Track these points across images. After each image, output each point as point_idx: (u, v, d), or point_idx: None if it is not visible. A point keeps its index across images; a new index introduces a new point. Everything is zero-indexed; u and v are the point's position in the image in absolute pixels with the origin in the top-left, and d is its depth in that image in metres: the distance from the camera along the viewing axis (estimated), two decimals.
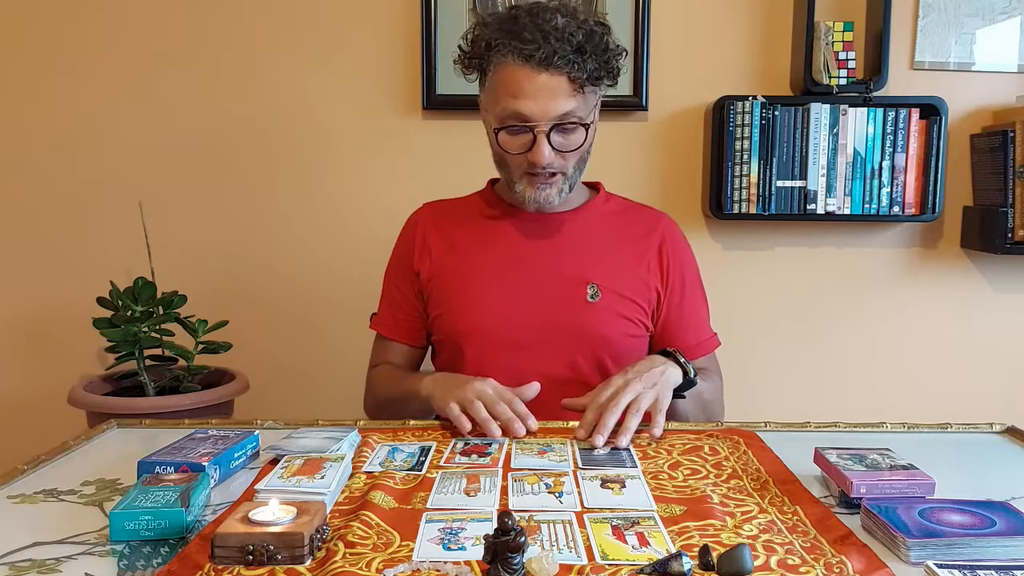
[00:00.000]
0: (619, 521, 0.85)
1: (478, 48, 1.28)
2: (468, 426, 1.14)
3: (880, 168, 1.95)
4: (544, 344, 1.33)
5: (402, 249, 1.46)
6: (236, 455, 1.05)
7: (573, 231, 1.39)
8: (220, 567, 0.75)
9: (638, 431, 1.18)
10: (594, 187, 1.46)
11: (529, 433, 1.17)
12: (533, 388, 1.20)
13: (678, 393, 1.23)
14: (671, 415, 1.27)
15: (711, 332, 1.46)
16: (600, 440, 1.11)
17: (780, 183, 1.96)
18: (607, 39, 1.27)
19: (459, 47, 1.32)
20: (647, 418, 1.18)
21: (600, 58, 1.25)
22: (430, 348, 1.49)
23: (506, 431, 1.14)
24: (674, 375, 1.22)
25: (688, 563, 0.73)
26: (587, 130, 1.28)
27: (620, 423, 1.13)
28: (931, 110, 1.95)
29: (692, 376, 1.24)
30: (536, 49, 1.21)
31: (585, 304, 1.34)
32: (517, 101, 1.23)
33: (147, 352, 1.83)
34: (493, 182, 1.47)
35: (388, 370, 1.44)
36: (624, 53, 1.32)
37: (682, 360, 1.24)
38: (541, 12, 1.24)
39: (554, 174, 1.29)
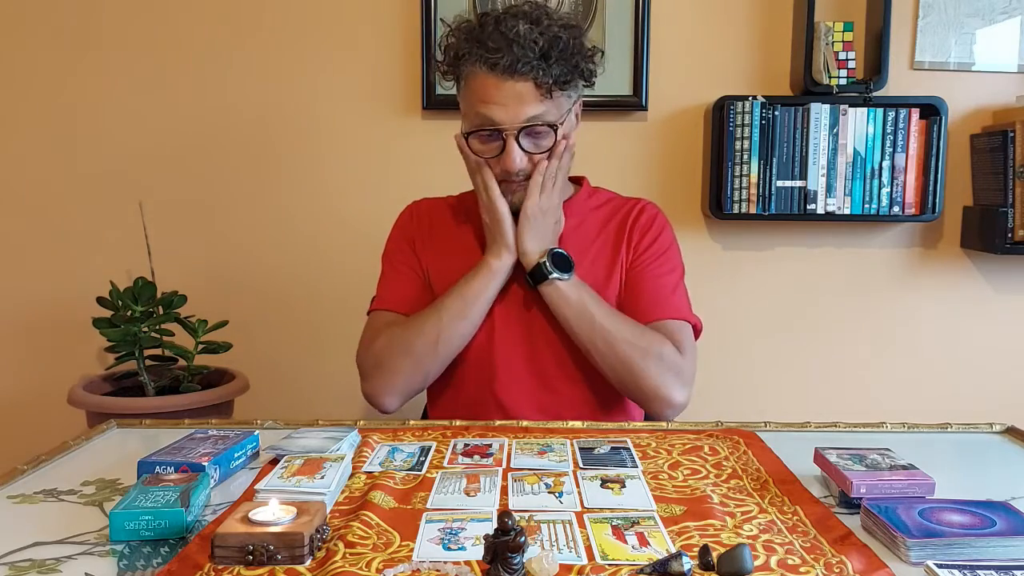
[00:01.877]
0: (619, 521, 0.85)
1: (449, 56, 1.30)
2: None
3: (880, 168, 1.95)
4: (529, 337, 1.35)
5: (404, 232, 1.45)
6: (236, 455, 1.05)
7: None
8: (220, 567, 0.75)
9: (638, 431, 1.19)
10: (578, 182, 1.46)
11: (528, 432, 1.17)
12: None
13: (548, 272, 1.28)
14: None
15: (680, 307, 1.36)
16: None
17: (780, 183, 1.95)
18: (574, 42, 1.26)
19: (433, 57, 1.33)
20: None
21: (568, 62, 1.25)
22: None
23: None
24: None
25: (688, 563, 0.73)
26: (556, 132, 1.28)
27: None
28: (931, 110, 1.95)
29: (548, 271, 1.28)
30: (500, 57, 1.21)
31: None
32: (486, 107, 1.25)
33: (147, 352, 1.83)
34: None
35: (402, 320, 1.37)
36: (599, 53, 1.32)
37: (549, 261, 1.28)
38: (506, 19, 1.24)
39: (526, 179, 1.30)
